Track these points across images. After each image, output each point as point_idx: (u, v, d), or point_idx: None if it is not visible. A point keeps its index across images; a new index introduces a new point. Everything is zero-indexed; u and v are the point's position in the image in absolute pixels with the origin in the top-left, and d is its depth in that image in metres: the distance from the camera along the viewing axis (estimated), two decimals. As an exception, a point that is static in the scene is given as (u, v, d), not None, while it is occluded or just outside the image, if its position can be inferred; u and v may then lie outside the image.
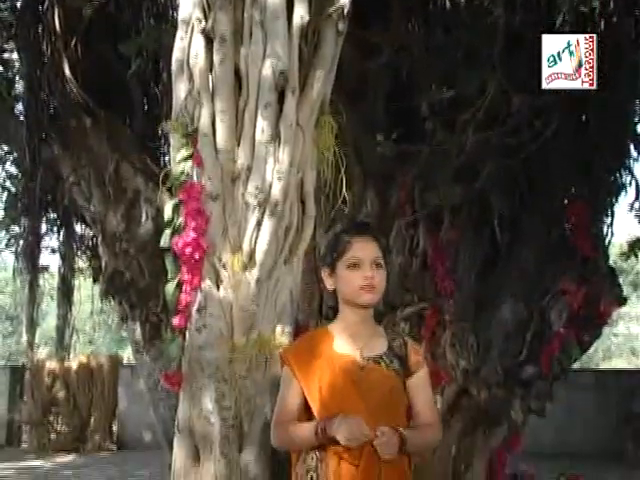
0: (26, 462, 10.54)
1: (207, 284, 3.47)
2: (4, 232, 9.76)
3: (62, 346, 11.41)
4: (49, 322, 24.15)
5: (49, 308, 22.18)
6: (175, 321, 3.51)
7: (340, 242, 2.42)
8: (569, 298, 6.89)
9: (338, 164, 3.73)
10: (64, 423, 12.05)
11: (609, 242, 7.46)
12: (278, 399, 2.42)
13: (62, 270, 9.72)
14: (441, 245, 6.98)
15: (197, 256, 3.42)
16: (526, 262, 7.18)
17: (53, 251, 9.90)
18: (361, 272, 2.33)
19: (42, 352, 14.36)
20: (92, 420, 12.17)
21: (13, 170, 8.89)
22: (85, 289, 10.75)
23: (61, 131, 6.33)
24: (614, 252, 9.99)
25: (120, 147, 6.18)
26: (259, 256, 3.44)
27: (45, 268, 10.34)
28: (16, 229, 9.45)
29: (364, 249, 2.37)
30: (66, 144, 6.22)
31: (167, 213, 3.56)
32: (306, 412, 2.36)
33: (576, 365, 8.17)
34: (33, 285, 9.53)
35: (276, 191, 3.44)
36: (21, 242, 9.04)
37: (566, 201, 6.79)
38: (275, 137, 3.48)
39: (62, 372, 12.12)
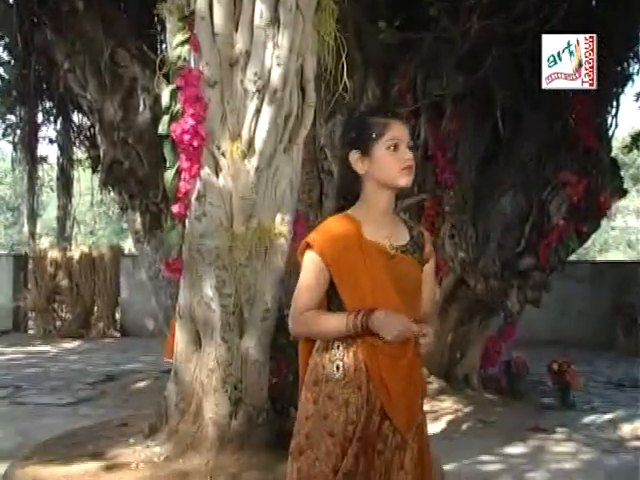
0: (33, 347, 10.83)
1: (206, 172, 3.45)
2: (0, 122, 9.64)
3: (63, 236, 11.51)
4: (50, 213, 24.26)
5: (49, 199, 22.27)
6: (174, 209, 3.51)
7: (377, 123, 2.31)
8: (569, 190, 6.88)
9: (339, 51, 3.63)
10: (68, 311, 12.29)
11: (613, 133, 7.39)
12: (302, 285, 2.30)
13: (61, 161, 9.66)
14: (442, 136, 6.90)
15: (195, 144, 3.39)
16: (527, 154, 7.13)
17: (51, 141, 9.81)
18: (400, 154, 2.27)
19: (44, 242, 14.46)
20: (95, 308, 12.40)
21: (5, 57, 8.67)
22: (85, 181, 10.72)
23: (53, 15, 6.12)
24: (616, 146, 9.90)
25: (115, 32, 6.00)
26: (258, 144, 3.41)
27: (44, 159, 10.28)
28: (12, 118, 9.33)
29: (402, 131, 2.30)
30: (59, 29, 6.03)
31: (164, 99, 3.49)
32: (329, 299, 2.30)
33: (573, 257, 8.25)
34: (32, 176, 9.51)
35: (275, 77, 3.37)
36: (18, 132, 8.95)
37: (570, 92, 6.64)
38: (274, 21, 3.37)
39: (64, 261, 12.25)
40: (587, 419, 6.40)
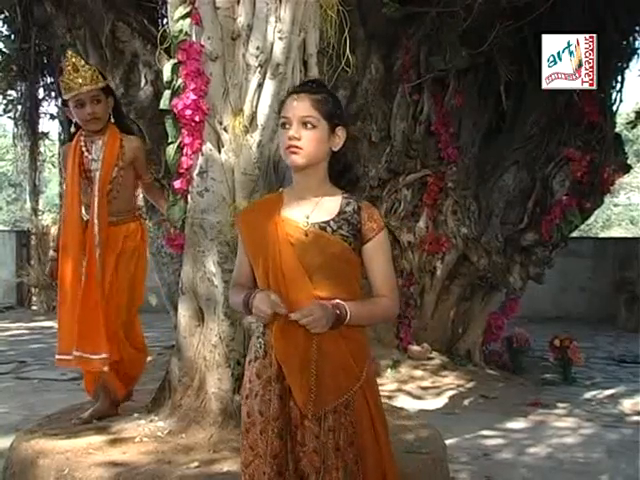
0: (37, 322, 10.90)
1: (208, 147, 3.43)
2: (1, 97, 9.60)
3: (65, 212, 11.51)
4: (52, 189, 24.21)
5: (52, 175, 22.22)
6: (176, 184, 3.49)
7: (283, 101, 2.30)
8: (573, 166, 6.86)
9: (342, 25, 3.59)
10: (71, 287, 12.33)
11: (617, 109, 7.35)
12: (236, 261, 2.37)
13: (62, 136, 9.63)
14: (445, 111, 6.87)
15: (197, 118, 3.36)
16: (531, 129, 7.10)
17: (52, 117, 9.77)
18: (287, 132, 2.23)
19: (46, 218, 14.44)
20: (99, 284, 12.42)
21: (5, 31, 8.61)
22: (86, 156, 10.71)
23: (53, -12, 6.06)
24: (620, 122, 9.85)
25: (116, 6, 5.93)
26: (261, 119, 3.38)
27: (45, 134, 10.25)
28: (13, 94, 9.29)
29: (294, 107, 2.20)
30: (59, 2, 5.97)
31: (166, 74, 3.46)
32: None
33: (575, 233, 8.26)
34: (34, 152, 9.48)
35: (278, 51, 3.33)
36: (19, 108, 8.90)
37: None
38: (276, -6, 3.33)
39: (67, 238, 12.25)
40: (588, 394, 6.44)
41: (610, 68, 6.89)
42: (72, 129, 3.85)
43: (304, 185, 2.27)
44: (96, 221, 3.65)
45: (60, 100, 8.81)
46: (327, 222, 2.23)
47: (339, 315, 2.14)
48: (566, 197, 6.97)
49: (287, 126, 2.21)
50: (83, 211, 3.77)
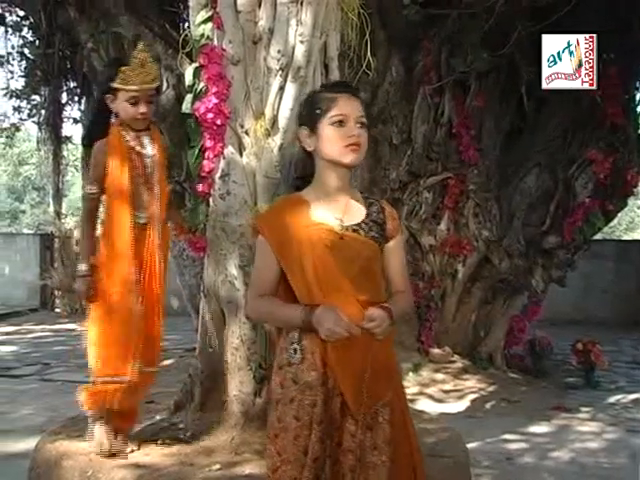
0: (60, 325, 11.00)
1: (230, 151, 3.44)
2: (25, 102, 9.72)
3: (88, 216, 11.62)
4: (75, 192, 24.42)
5: (75, 179, 22.43)
6: (198, 188, 3.50)
7: (323, 99, 2.25)
8: (596, 168, 6.80)
9: (363, 28, 3.59)
10: (94, 289, 12.40)
11: (641, 110, 7.28)
12: (254, 270, 2.31)
13: (85, 140, 9.71)
14: (467, 113, 6.84)
15: (219, 122, 3.37)
16: (553, 131, 7.05)
17: (75, 121, 9.88)
18: (346, 130, 2.21)
19: (69, 222, 14.57)
20: (121, 287, 12.49)
21: (30, 37, 8.72)
22: (109, 160, 10.80)
23: (76, -6, 6.14)
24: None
25: (138, 11, 6.00)
26: (282, 122, 3.39)
27: (68, 138, 10.37)
28: (37, 99, 9.40)
29: (350, 106, 2.20)
30: (83, 8, 6.04)
31: (188, 78, 3.48)
32: (283, 283, 2.25)
33: (598, 236, 8.18)
34: (57, 155, 9.60)
35: (299, 55, 3.34)
36: (43, 112, 9.01)
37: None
38: (297, -2, 3.34)
39: (90, 241, 12.33)
40: (612, 398, 6.38)
41: (634, 69, 6.82)
42: (112, 119, 3.38)
43: (337, 185, 2.26)
44: (157, 223, 3.38)
45: (83, 104, 8.92)
46: (359, 224, 2.24)
47: (391, 317, 2.18)
48: (589, 199, 6.91)
49: (343, 124, 2.21)
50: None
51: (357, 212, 2.27)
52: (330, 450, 2.16)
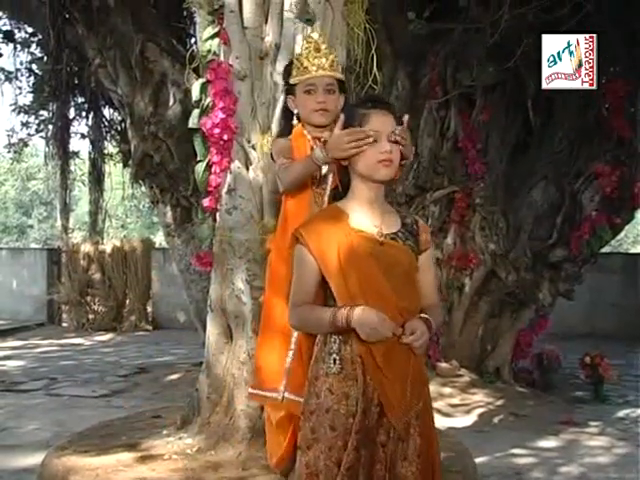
0: (67, 339, 11.01)
1: (236, 165, 3.46)
2: (33, 117, 9.79)
3: (95, 230, 11.67)
4: (82, 207, 24.50)
5: (82, 193, 22.51)
6: (205, 202, 3.52)
7: (356, 114, 2.27)
8: (602, 181, 6.79)
9: (369, 42, 3.61)
10: (100, 304, 12.43)
11: (647, 122, 7.26)
12: (294, 279, 2.30)
13: (92, 155, 9.79)
14: (473, 127, 6.86)
15: (226, 137, 3.40)
16: (559, 144, 7.05)
17: (83, 136, 9.94)
18: (378, 146, 2.23)
19: (77, 236, 14.63)
20: (127, 301, 12.52)
21: (38, 53, 8.80)
22: (116, 175, 10.83)
23: (85, 11, 6.19)
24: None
25: (145, 27, 6.05)
26: (288, 137, 3.41)
27: (76, 154, 10.44)
28: (45, 114, 9.47)
29: (382, 122, 2.23)
30: (90, 24, 6.10)
31: (194, 93, 3.50)
32: (323, 291, 2.27)
33: (605, 249, 8.15)
34: (65, 170, 9.66)
35: (305, 70, 3.36)
36: (50, 127, 9.07)
37: (604, 79, 6.53)
38: (304, 13, 3.36)
39: (97, 255, 12.37)
40: (621, 413, 6.33)
41: (640, 82, 6.82)
42: (294, 121, 2.96)
43: (371, 198, 2.30)
44: None
45: (90, 119, 8.97)
46: (396, 233, 2.29)
47: (430, 329, 2.22)
48: (596, 212, 6.89)
49: (375, 141, 2.23)
50: None
51: (394, 222, 2.32)
52: (364, 460, 2.17)
